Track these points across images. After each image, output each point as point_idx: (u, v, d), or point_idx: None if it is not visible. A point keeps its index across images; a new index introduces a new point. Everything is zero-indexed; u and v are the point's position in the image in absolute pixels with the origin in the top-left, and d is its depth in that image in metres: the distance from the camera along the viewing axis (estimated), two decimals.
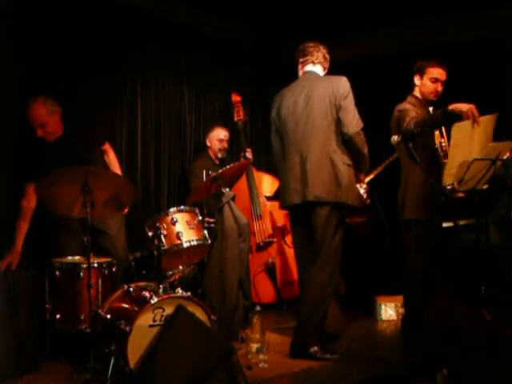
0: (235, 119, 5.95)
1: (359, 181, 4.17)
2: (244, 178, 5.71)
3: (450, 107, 3.82)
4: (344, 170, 3.91)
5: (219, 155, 5.72)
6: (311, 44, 4.16)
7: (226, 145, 5.77)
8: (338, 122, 3.92)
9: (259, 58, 6.58)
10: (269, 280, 5.55)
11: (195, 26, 5.88)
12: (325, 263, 3.94)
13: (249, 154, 5.80)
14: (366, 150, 3.98)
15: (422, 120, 4.00)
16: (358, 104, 3.99)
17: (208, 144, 5.80)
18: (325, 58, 4.16)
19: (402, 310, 4.91)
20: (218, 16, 5.92)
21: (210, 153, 5.79)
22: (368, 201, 4.28)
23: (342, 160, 3.92)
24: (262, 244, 5.64)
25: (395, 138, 3.92)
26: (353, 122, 3.90)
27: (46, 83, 4.54)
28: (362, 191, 4.18)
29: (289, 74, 4.32)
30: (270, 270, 5.56)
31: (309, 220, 3.99)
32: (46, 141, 4.21)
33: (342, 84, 3.94)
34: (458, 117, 3.78)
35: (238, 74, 6.47)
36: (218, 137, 5.74)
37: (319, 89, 3.98)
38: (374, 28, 6.04)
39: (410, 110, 4.17)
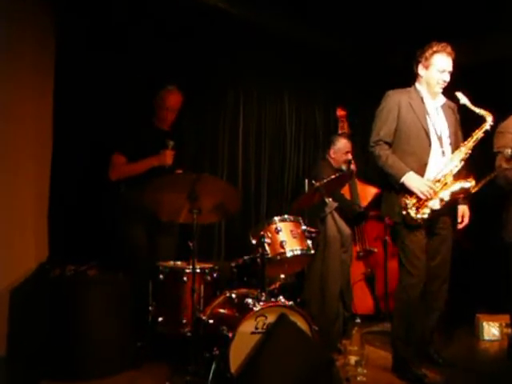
0: (339, 132, 5.87)
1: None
2: (347, 188, 5.58)
3: None
4: None
5: (343, 167, 5.47)
6: None
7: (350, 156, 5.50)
8: None
9: (360, 68, 6.43)
10: (367, 290, 5.48)
11: (296, 38, 5.84)
12: (448, 274, 3.97)
13: (352, 166, 5.66)
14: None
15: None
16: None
17: (332, 155, 5.44)
18: None
19: (507, 330, 4.71)
20: (318, 28, 5.85)
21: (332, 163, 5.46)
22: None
23: None
24: (361, 254, 5.60)
25: (509, 151, 3.73)
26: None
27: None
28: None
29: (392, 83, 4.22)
30: (369, 280, 5.48)
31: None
32: (161, 128, 4.44)
33: None
34: None
35: (338, 85, 6.42)
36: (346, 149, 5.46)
37: None
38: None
39: (504, 134, 3.98)
